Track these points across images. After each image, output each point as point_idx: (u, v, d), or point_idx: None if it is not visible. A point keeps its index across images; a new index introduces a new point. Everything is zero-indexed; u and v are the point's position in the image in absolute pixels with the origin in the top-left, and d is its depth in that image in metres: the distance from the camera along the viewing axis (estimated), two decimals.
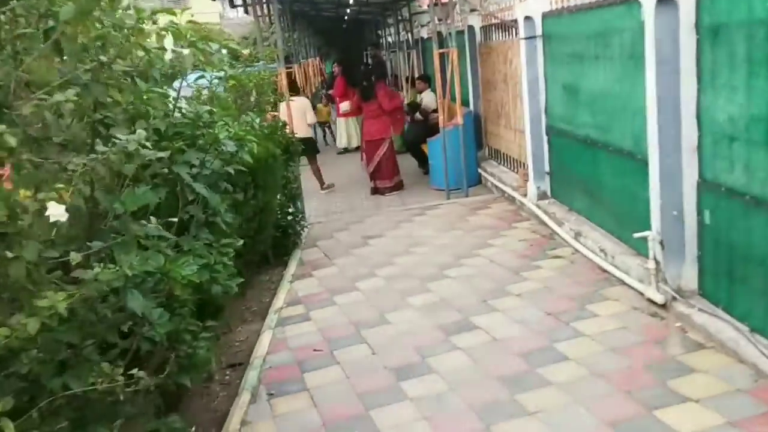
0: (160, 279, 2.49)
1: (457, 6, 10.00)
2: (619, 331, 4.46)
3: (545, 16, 6.82)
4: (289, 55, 14.86)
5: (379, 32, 22.60)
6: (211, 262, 3.14)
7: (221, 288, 3.28)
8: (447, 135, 9.28)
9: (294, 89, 10.94)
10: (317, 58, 22.81)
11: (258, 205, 6.20)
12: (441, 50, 9.11)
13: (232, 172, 3.27)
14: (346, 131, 13.54)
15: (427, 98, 11.10)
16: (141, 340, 2.67)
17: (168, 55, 3.53)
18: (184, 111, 3.45)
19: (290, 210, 7.53)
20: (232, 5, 11.36)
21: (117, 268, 2.23)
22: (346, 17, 21.40)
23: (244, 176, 6.03)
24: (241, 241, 5.12)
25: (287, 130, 7.60)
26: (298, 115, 10.45)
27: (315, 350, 4.77)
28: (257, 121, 3.87)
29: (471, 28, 9.80)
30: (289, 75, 13.27)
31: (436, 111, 10.17)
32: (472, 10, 9.51)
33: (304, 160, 9.28)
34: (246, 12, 11.85)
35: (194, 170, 3.08)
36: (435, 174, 10.09)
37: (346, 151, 13.71)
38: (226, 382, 4.66)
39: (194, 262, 3.06)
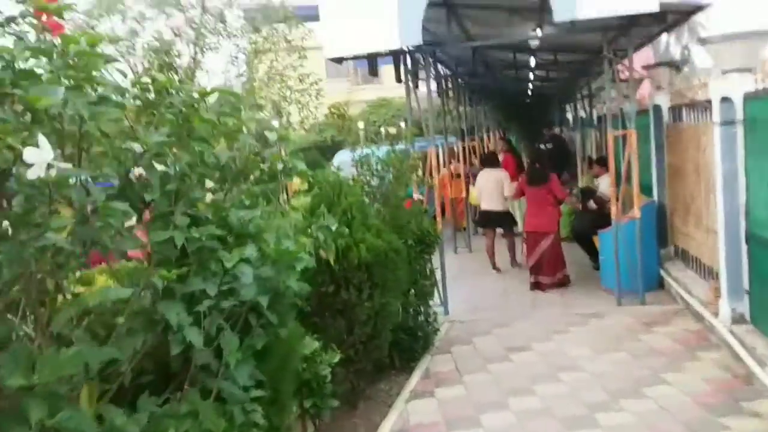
0: None
1: (644, 83, 8.74)
2: None
3: (748, 97, 5.40)
4: (458, 130, 14.26)
5: (564, 107, 21.42)
6: (219, 430, 2.31)
7: None
8: (621, 229, 7.89)
9: (493, 162, 10.45)
10: (498, 133, 22.05)
11: (373, 307, 5.37)
12: (617, 132, 7.84)
13: (264, 303, 2.44)
14: None
15: (604, 184, 9.71)
16: None
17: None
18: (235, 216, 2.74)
19: (420, 310, 6.60)
20: (398, 80, 10.96)
21: None
22: (529, 91, 20.59)
23: (359, 274, 5.35)
24: (337, 357, 4.40)
25: (425, 219, 6.79)
26: (493, 188, 9.84)
27: None
28: (334, 224, 3.05)
29: (657, 107, 8.42)
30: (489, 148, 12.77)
31: None
32: (658, 88, 8.16)
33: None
34: (415, 87, 11.47)
35: (207, 303, 2.31)
36: (606, 272, 8.65)
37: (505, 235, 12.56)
38: None
39: (193, 428, 2.26)
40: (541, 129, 20.07)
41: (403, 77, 8.61)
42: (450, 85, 13.04)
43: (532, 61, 13.08)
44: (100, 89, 2.15)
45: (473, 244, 12.26)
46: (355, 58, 8.78)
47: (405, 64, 8.49)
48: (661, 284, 8.30)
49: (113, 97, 2.17)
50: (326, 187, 5.26)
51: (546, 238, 8.85)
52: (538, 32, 8.58)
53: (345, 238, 5.09)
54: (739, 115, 5.56)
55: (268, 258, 2.48)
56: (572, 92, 17.09)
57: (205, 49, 20.04)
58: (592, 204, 9.69)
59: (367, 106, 35.64)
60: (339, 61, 8.50)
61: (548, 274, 8.88)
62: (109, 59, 1.92)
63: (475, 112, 16.64)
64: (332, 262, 3.18)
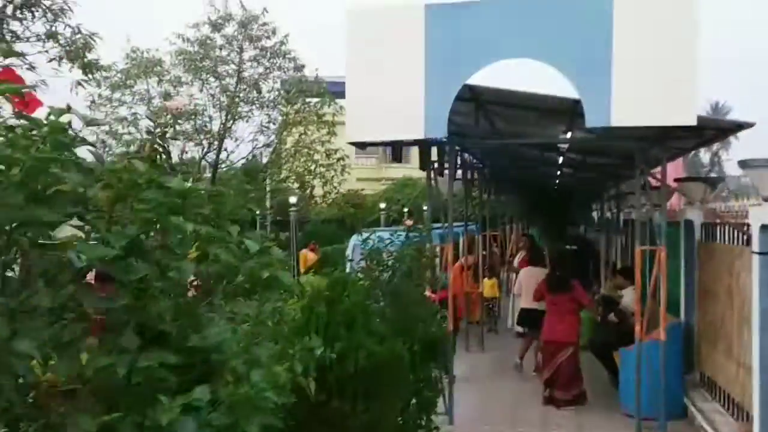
0: None
1: (676, 196, 8.37)
2: None
3: None
4: (480, 219, 13.94)
5: (589, 205, 21.07)
6: None
7: None
8: (644, 349, 7.33)
9: (538, 258, 10.22)
10: (520, 229, 21.70)
11: (370, 420, 4.88)
12: (645, 247, 7.42)
13: None
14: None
15: (628, 298, 9.17)
16: None
17: None
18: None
19: (422, 423, 6.05)
20: (422, 168, 10.78)
21: None
22: (554, 187, 20.38)
23: (352, 382, 4.89)
24: None
25: (435, 322, 6.34)
26: (535, 285, 9.51)
27: None
28: (319, 347, 2.67)
29: (689, 222, 8.01)
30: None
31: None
32: (690, 203, 7.77)
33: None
34: (439, 174, 11.30)
35: None
36: (625, 392, 8.01)
37: (523, 335, 11.98)
38: None
39: None
40: (564, 225, 19.72)
41: (426, 165, 8.37)
42: (474, 175, 12.84)
43: (560, 160, 12.87)
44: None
45: (486, 342, 11.68)
46: (381, 144, 8.59)
47: (429, 154, 8.26)
48: (684, 411, 7.66)
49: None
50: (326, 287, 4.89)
51: (564, 350, 8.28)
52: (568, 135, 8.33)
53: (342, 342, 4.70)
54: None
55: (223, 402, 2.07)
56: (599, 192, 16.80)
57: (236, 118, 20.22)
58: (612, 317, 9.14)
59: (392, 185, 35.74)
60: (362, 146, 8.30)
61: (564, 389, 8.26)
62: (31, 163, 1.58)
63: (498, 203, 16.38)
64: (311, 393, 2.75)
